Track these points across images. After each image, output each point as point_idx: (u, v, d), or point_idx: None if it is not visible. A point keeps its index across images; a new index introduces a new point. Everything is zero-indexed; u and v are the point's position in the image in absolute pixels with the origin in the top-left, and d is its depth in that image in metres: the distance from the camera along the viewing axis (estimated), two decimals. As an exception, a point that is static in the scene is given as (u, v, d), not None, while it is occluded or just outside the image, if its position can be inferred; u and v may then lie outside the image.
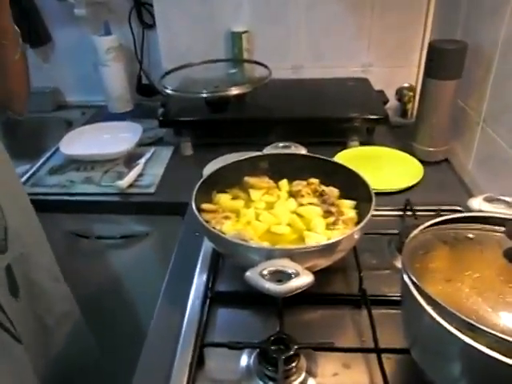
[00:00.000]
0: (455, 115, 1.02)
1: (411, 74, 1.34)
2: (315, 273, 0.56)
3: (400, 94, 1.32)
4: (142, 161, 1.11)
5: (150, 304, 0.74)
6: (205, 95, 1.09)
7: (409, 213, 0.86)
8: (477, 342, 0.41)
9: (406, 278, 0.49)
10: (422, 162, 1.05)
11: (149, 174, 1.08)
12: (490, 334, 0.40)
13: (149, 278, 1.01)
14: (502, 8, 0.84)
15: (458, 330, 0.42)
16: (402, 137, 1.17)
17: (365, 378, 0.57)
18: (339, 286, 0.72)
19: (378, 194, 0.92)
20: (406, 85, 1.32)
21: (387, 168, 1.04)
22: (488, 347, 0.40)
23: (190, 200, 0.71)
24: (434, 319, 0.44)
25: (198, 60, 1.26)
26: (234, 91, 1.08)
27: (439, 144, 1.04)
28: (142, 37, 1.42)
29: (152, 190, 1.02)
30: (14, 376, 0.73)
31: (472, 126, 0.97)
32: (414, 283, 0.47)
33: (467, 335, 0.41)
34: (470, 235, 0.53)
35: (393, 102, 1.31)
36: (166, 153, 1.17)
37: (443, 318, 0.43)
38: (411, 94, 1.31)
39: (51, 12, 1.39)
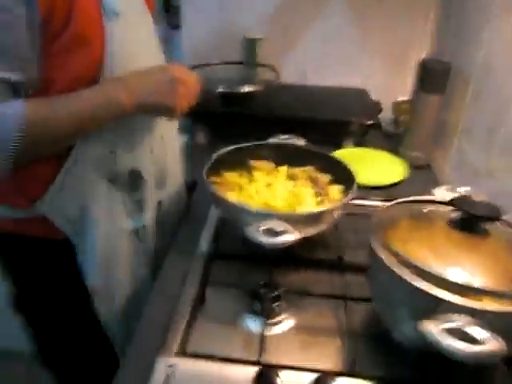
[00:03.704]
0: (438, 126, 1.16)
1: (407, 88, 1.48)
2: (303, 241, 0.69)
3: (396, 106, 1.46)
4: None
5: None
6: (221, 90, 1.23)
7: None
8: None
9: (371, 236, 0.62)
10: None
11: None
12: (437, 276, 0.52)
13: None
14: (479, 34, 0.98)
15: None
16: (393, 143, 1.31)
17: (333, 322, 0.70)
18: (322, 254, 0.86)
19: (366, 187, 1.07)
20: (402, 98, 1.46)
21: (375, 167, 1.18)
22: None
23: (202, 175, 0.85)
24: (385, 265, 0.57)
25: (215, 61, 1.41)
26: (247, 89, 1.23)
27: (422, 150, 1.19)
28: (165, 36, 1.57)
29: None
30: None
31: (450, 137, 1.11)
32: (375, 237, 0.61)
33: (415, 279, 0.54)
34: (424, 210, 0.67)
35: (389, 114, 1.46)
36: (182, 140, 1.32)
37: (399, 266, 0.56)
38: (405, 106, 1.45)
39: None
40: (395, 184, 1.12)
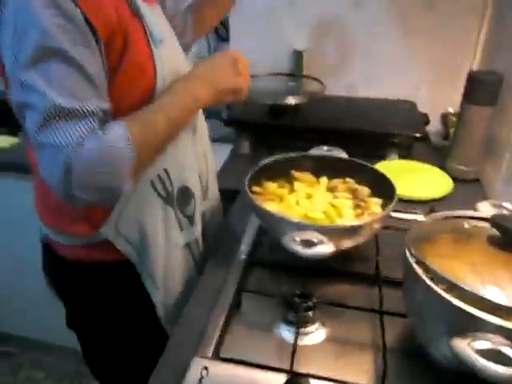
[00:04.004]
0: (488, 139, 1.12)
1: (456, 100, 1.44)
2: (341, 253, 0.69)
3: (445, 118, 1.43)
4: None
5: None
6: (267, 102, 1.26)
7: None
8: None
9: (406, 251, 0.62)
10: (454, 179, 1.16)
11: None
12: (471, 293, 0.51)
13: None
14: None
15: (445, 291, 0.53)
16: (440, 156, 1.28)
17: (366, 335, 0.70)
18: (358, 267, 0.85)
19: (406, 200, 1.06)
20: (451, 110, 1.42)
21: (419, 180, 1.15)
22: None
23: (243, 184, 0.87)
24: (419, 279, 0.56)
25: (262, 72, 1.44)
26: (293, 100, 1.25)
27: (471, 164, 1.15)
28: (214, 48, 1.63)
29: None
30: None
31: (502, 150, 1.07)
32: (410, 252, 0.60)
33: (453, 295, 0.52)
34: (466, 226, 0.66)
35: (438, 126, 1.42)
36: (224, 149, 1.36)
37: (434, 282, 0.55)
38: (454, 119, 1.41)
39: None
40: (440, 198, 1.09)
